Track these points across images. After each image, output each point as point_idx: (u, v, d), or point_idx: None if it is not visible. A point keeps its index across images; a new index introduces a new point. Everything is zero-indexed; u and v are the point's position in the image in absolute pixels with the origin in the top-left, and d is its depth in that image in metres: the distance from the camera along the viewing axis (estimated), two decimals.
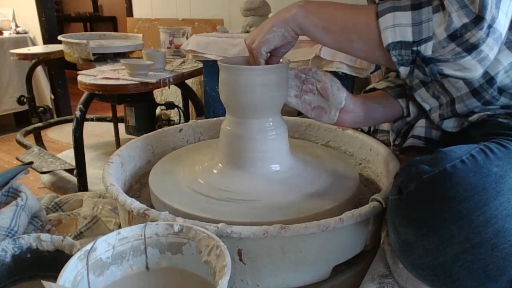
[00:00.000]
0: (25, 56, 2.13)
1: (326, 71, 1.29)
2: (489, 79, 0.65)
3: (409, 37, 0.56)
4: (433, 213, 0.50)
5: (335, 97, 0.72)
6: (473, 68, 0.56)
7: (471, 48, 0.54)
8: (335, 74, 1.26)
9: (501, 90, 0.66)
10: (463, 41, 0.54)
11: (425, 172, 0.51)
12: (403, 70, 0.59)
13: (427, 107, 0.78)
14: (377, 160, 0.87)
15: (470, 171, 0.49)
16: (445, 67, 0.57)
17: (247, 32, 1.63)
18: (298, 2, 0.65)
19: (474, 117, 0.68)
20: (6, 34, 2.85)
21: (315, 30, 0.63)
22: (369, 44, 0.60)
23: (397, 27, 0.56)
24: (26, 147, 1.95)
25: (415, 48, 0.56)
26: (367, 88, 0.88)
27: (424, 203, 0.51)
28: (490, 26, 0.52)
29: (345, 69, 1.22)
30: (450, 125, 0.74)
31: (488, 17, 0.51)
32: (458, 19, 0.53)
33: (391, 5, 0.58)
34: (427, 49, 0.56)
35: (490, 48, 0.54)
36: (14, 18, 3.00)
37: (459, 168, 0.49)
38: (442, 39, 0.54)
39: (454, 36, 0.54)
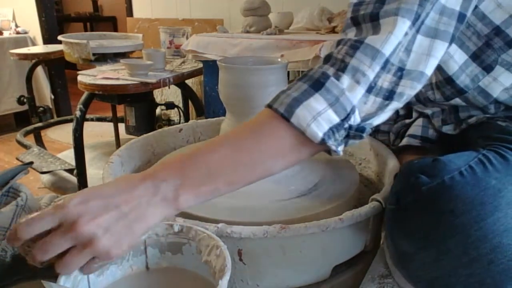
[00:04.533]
0: (25, 56, 2.13)
1: None
2: (492, 100, 0.65)
3: (335, 119, 0.49)
4: (431, 226, 0.49)
5: None
6: (397, 107, 0.53)
7: (389, 94, 0.51)
8: None
9: (502, 103, 0.67)
10: (378, 90, 0.50)
11: (423, 184, 0.50)
12: (340, 150, 0.51)
13: (429, 112, 0.78)
14: (377, 160, 0.86)
15: (468, 184, 0.48)
16: (374, 120, 0.52)
17: (247, 32, 1.63)
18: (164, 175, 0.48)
19: (473, 119, 0.68)
20: (6, 34, 2.85)
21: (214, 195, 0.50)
22: (290, 152, 0.51)
23: (318, 117, 0.48)
24: (26, 147, 1.95)
25: (346, 125, 0.50)
26: None
27: (422, 216, 0.50)
28: (401, 69, 0.50)
29: None
30: (450, 128, 0.74)
31: (394, 60, 0.50)
32: (369, 70, 0.49)
33: (289, 100, 0.49)
34: (356, 117, 0.50)
35: (411, 88, 0.51)
36: (14, 18, 3.00)
37: (458, 180, 0.48)
38: (361, 96, 0.50)
39: (370, 88, 0.50)
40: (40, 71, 2.73)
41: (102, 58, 1.84)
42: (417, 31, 0.51)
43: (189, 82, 1.94)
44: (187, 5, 2.63)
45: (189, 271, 0.55)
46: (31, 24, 2.94)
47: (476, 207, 0.47)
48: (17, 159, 1.80)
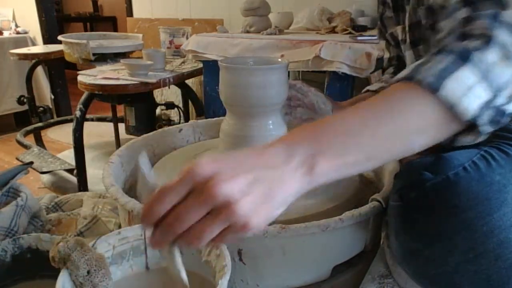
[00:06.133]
0: (25, 56, 2.13)
1: (326, 71, 1.29)
2: None
3: (484, 96, 0.43)
4: (436, 222, 0.49)
5: (322, 111, 0.74)
6: None
7: None
8: (335, 74, 1.26)
9: None
10: None
11: (427, 180, 0.49)
12: (484, 135, 0.46)
13: None
14: None
15: (473, 180, 0.47)
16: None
17: (247, 32, 1.63)
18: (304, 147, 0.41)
19: None
20: (6, 34, 2.85)
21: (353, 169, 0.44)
22: (433, 128, 0.45)
23: (469, 91, 0.43)
24: (26, 147, 1.95)
25: (493, 105, 0.44)
26: (362, 91, 0.89)
27: (426, 212, 0.50)
28: None
29: (345, 69, 1.22)
30: None
31: None
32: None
33: (435, 71, 0.44)
34: (503, 98, 0.44)
35: None
36: (14, 18, 3.00)
37: (462, 176, 0.48)
38: (510, 76, 0.44)
39: None
40: (40, 71, 2.73)
41: (102, 58, 1.84)
42: None
43: (189, 82, 1.94)
44: (187, 5, 2.63)
45: (189, 271, 0.55)
46: (31, 24, 2.94)
47: (482, 202, 0.46)
48: (17, 159, 1.80)
